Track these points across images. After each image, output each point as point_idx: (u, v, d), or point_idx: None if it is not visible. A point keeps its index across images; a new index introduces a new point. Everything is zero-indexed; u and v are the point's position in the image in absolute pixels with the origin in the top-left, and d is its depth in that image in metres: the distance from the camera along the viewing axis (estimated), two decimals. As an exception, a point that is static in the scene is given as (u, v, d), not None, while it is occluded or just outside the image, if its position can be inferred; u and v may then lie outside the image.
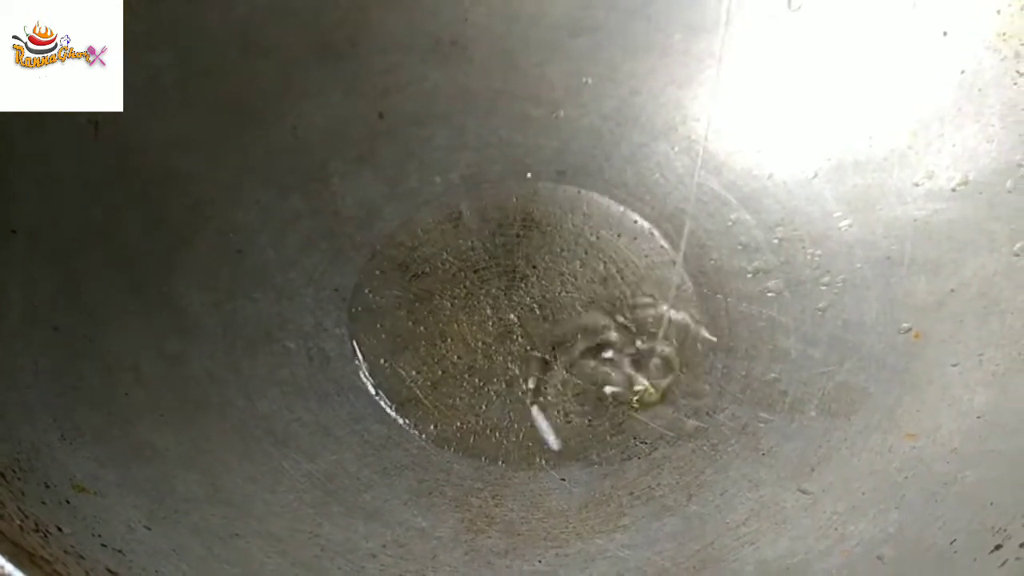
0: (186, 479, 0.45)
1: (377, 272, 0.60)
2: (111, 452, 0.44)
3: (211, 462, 0.47)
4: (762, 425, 0.53)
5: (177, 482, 0.45)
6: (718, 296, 0.59)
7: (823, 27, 0.60)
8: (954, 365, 0.49)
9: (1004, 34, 0.54)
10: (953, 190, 0.55)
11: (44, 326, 0.47)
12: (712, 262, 0.61)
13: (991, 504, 0.41)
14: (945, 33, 0.56)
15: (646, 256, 0.61)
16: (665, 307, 0.58)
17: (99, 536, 0.39)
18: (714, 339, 0.57)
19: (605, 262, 0.61)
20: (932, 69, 0.56)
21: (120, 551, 0.38)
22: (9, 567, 0.32)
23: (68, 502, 0.40)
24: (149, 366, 0.50)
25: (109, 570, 0.37)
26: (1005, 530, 0.39)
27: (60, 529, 0.38)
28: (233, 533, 0.43)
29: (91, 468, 0.42)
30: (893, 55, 0.58)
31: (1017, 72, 0.53)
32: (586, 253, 0.61)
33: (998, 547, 0.38)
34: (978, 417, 0.46)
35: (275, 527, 0.45)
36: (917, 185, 0.56)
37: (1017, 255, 0.50)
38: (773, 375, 0.55)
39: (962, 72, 0.55)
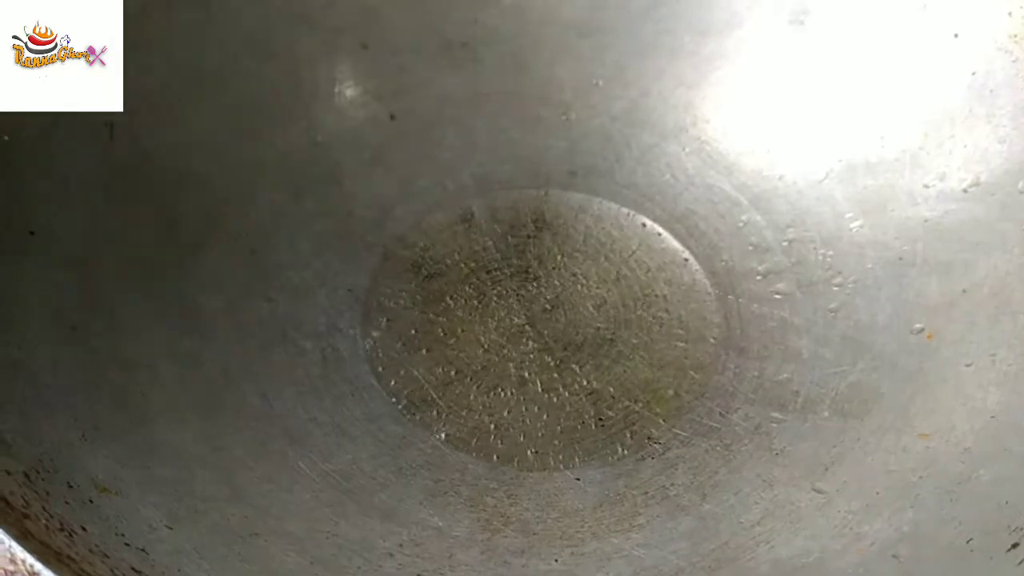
0: (204, 478, 0.46)
1: (390, 273, 0.60)
2: (130, 451, 0.44)
3: (228, 462, 0.48)
4: (775, 425, 0.53)
5: (195, 482, 0.45)
6: (729, 297, 0.59)
7: (834, 28, 0.60)
8: (967, 365, 0.50)
9: (1015, 36, 0.54)
10: (965, 191, 0.55)
11: (62, 326, 0.47)
12: (723, 263, 0.61)
13: (1006, 503, 0.41)
14: (956, 35, 0.56)
15: (657, 256, 0.61)
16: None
17: (122, 535, 0.39)
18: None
19: (617, 262, 0.61)
20: (943, 70, 0.57)
21: (143, 550, 0.39)
22: (38, 566, 0.32)
23: (91, 501, 0.40)
24: (165, 365, 0.50)
25: (134, 568, 0.37)
26: (1022, 529, 0.39)
27: (84, 528, 0.38)
28: (252, 532, 0.44)
29: (111, 468, 0.42)
30: (904, 56, 0.58)
31: (1028, 74, 0.53)
32: (598, 253, 0.61)
33: (1015, 545, 0.39)
34: (992, 417, 0.46)
35: (293, 526, 0.45)
36: (928, 186, 0.56)
37: (1027, 255, 0.50)
38: (785, 375, 0.55)
39: (973, 74, 0.55)
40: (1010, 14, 0.54)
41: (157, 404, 0.48)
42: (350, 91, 0.64)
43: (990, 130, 0.55)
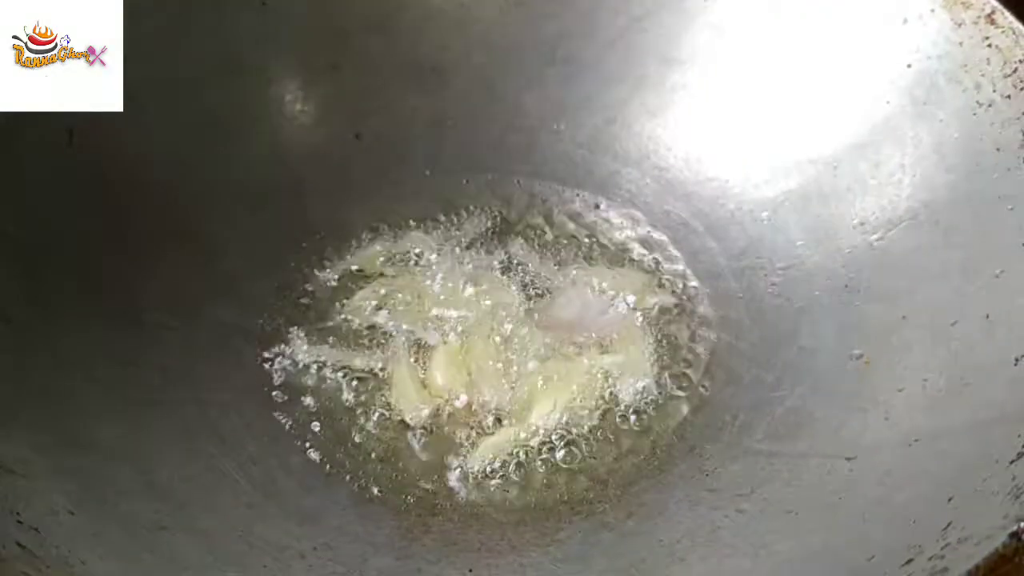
0: (121, 472, 0.46)
1: (344, 283, 0.61)
2: (49, 440, 0.45)
3: (151, 459, 0.48)
4: (709, 447, 0.52)
5: (112, 474, 0.45)
6: (678, 320, 0.59)
7: (791, 59, 0.60)
8: (900, 390, 0.49)
9: (965, 66, 0.54)
10: (912, 219, 0.55)
11: (-2, 318, 0.48)
12: (676, 288, 0.61)
13: (913, 522, 0.40)
14: (909, 65, 0.56)
15: (612, 278, 0.61)
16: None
17: (17, 514, 0.39)
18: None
19: (569, 279, 0.61)
20: (896, 100, 0.56)
21: (36, 529, 0.39)
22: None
23: (-9, 482, 0.40)
24: (101, 363, 0.51)
25: (19, 544, 0.37)
26: (920, 546, 0.38)
27: (-28, 502, 0.39)
28: (160, 526, 0.44)
29: (24, 454, 0.43)
30: (858, 87, 0.58)
31: (977, 103, 0.53)
32: (552, 272, 0.61)
33: (909, 561, 0.38)
34: (916, 440, 0.45)
35: (205, 523, 0.46)
36: (878, 215, 0.56)
37: (967, 283, 0.50)
38: (725, 398, 0.55)
39: (924, 103, 0.55)
40: (961, 44, 0.54)
41: (87, 399, 0.49)
42: (317, 109, 0.65)
43: (938, 159, 0.54)
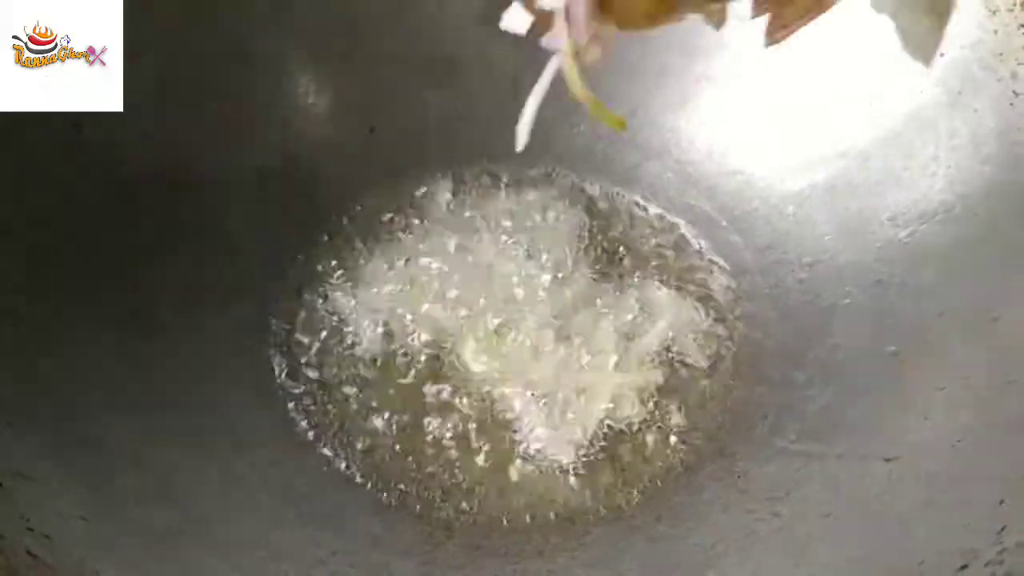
0: (133, 476, 0.44)
1: (362, 279, 0.59)
2: (58, 442, 0.43)
3: (162, 462, 0.46)
4: (739, 447, 0.51)
5: (124, 478, 0.44)
6: (703, 318, 0.58)
7: (818, 50, 0.59)
8: (940, 388, 0.47)
9: (1001, 54, 0.52)
10: (947, 212, 0.53)
11: (4, 315, 0.46)
12: (699, 284, 0.59)
13: (964, 526, 0.39)
14: (942, 54, 0.54)
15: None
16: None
17: (27, 520, 0.37)
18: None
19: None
20: (928, 90, 0.55)
21: (48, 536, 0.37)
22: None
23: (1, 485, 0.38)
24: (113, 364, 0.49)
25: (29, 552, 0.36)
26: (974, 550, 0.36)
27: (-19, 508, 0.37)
28: (176, 531, 0.42)
29: (33, 457, 0.41)
30: (889, 76, 0.56)
31: (1014, 92, 0.52)
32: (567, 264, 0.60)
33: (964, 567, 0.36)
34: (959, 440, 0.44)
35: (220, 529, 0.44)
36: (910, 208, 0.54)
37: (1007, 277, 0.48)
38: (754, 398, 0.53)
39: (959, 93, 0.54)
40: (996, 32, 0.53)
41: (96, 400, 0.47)
42: (330, 102, 0.63)
43: (973, 150, 0.53)
